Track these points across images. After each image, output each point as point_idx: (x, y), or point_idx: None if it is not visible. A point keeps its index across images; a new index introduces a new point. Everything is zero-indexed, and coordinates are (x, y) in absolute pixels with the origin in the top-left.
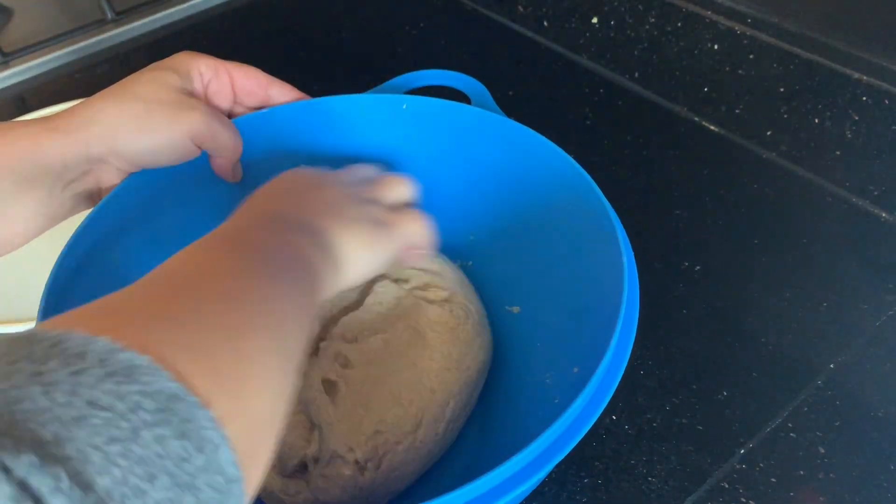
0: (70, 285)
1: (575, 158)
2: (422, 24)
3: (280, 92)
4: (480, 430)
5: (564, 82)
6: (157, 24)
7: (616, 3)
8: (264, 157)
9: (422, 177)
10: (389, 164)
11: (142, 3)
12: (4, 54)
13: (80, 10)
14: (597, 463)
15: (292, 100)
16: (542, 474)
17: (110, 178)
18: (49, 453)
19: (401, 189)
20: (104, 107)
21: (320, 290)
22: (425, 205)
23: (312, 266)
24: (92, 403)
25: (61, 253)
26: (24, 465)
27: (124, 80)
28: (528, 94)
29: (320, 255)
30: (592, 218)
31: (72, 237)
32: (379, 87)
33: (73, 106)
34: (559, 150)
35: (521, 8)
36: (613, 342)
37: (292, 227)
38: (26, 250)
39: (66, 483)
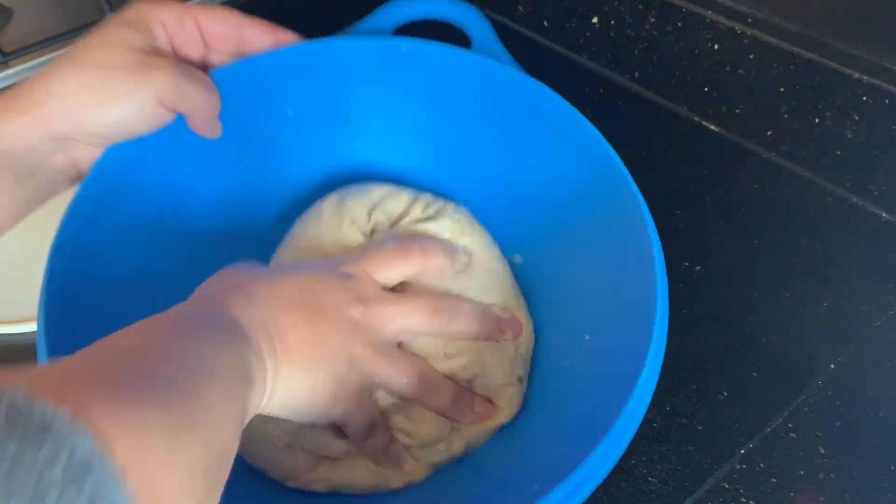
0: (68, 279)
1: None
2: (421, 25)
3: (256, 34)
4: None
5: (564, 82)
6: None
7: (616, 3)
8: (246, 111)
9: (420, 122)
10: (384, 111)
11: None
12: (4, 54)
13: (79, 10)
14: None
15: (271, 41)
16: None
17: (84, 154)
18: None
19: (399, 266)
20: (62, 79)
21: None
22: (424, 148)
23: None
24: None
25: (52, 246)
26: None
27: (82, 41)
28: None
29: (257, 366)
30: (612, 189)
31: (57, 231)
32: (364, 20)
33: (31, 79)
34: (577, 113)
35: (521, 8)
36: (656, 326)
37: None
38: (16, 248)
39: None
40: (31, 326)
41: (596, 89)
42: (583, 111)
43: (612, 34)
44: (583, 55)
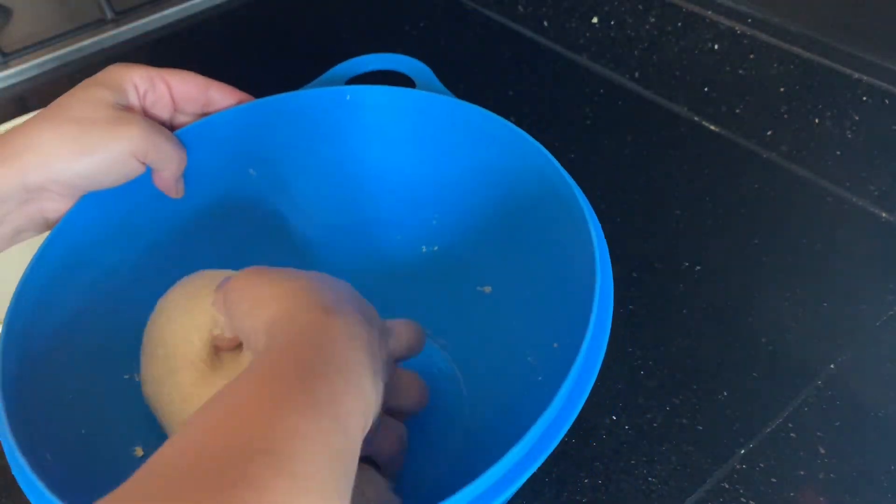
0: (31, 322)
1: (575, 158)
2: (422, 24)
3: (221, 94)
4: (471, 414)
5: (564, 82)
6: (157, 24)
7: (616, 3)
8: (209, 167)
9: (375, 166)
10: (341, 158)
11: (142, 3)
12: (4, 54)
13: (79, 10)
14: (597, 463)
15: (234, 101)
16: (540, 461)
17: (54, 205)
18: None
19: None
20: (39, 133)
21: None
22: (381, 194)
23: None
24: None
25: (15, 291)
26: None
27: (57, 101)
28: (528, 94)
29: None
30: (553, 188)
31: (24, 273)
32: (318, 80)
33: (6, 133)
34: (509, 123)
35: (521, 8)
36: (594, 313)
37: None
38: None
39: None
40: None
41: (596, 89)
42: (583, 111)
43: (612, 34)
44: (583, 55)
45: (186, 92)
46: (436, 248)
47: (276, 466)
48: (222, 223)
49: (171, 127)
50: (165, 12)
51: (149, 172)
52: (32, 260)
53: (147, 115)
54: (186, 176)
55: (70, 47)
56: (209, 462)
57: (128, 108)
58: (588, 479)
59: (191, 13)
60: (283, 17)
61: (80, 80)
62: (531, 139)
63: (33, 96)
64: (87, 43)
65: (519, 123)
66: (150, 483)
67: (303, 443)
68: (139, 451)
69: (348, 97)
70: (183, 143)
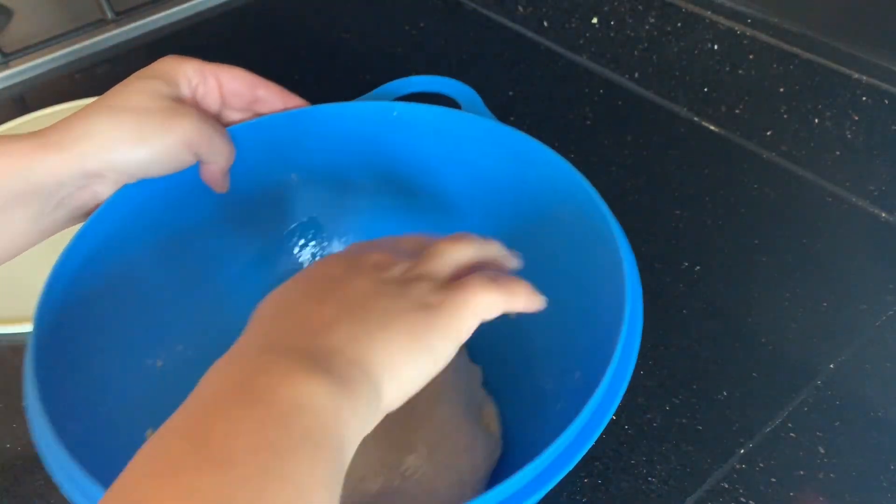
0: (66, 297)
1: (575, 158)
2: (422, 24)
3: (268, 92)
4: None
5: (564, 82)
6: (157, 24)
7: (616, 3)
8: (254, 168)
9: (414, 185)
10: (382, 172)
11: (142, 3)
12: (4, 54)
13: (80, 10)
14: (597, 463)
15: (280, 101)
16: (553, 483)
17: (106, 190)
18: None
19: (456, 251)
20: (98, 120)
21: (346, 450)
22: (416, 211)
23: (328, 429)
24: None
25: (54, 266)
26: None
27: (112, 90)
28: (528, 94)
29: (342, 398)
30: (589, 221)
31: (65, 250)
32: (368, 95)
33: (65, 120)
34: (552, 152)
35: (521, 8)
36: (620, 343)
37: (303, 370)
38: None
39: None
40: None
41: (596, 89)
42: (583, 111)
43: (612, 34)
44: (583, 55)
45: (235, 88)
46: None
47: None
48: (255, 222)
49: (221, 121)
50: (165, 12)
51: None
52: (69, 243)
53: (198, 108)
54: (230, 171)
55: (70, 47)
56: None
57: (181, 100)
58: (588, 479)
59: (191, 13)
60: (283, 18)
61: (80, 80)
62: (573, 169)
63: (33, 96)
64: (87, 43)
65: (519, 124)
66: None
67: None
68: (150, 434)
69: (395, 113)
70: (233, 139)
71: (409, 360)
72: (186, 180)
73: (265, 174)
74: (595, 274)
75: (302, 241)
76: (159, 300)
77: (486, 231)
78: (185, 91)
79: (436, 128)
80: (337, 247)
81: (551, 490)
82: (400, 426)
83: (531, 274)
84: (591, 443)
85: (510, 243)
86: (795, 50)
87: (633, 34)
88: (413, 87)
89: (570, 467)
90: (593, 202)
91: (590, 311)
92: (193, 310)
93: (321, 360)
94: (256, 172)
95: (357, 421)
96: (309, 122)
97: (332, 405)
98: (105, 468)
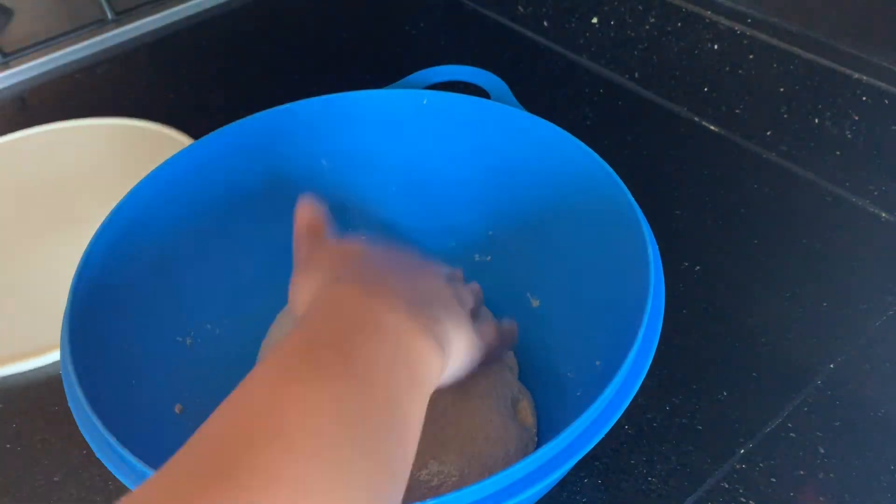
0: (98, 276)
1: None
2: (422, 24)
3: None
4: None
5: (564, 82)
6: (157, 24)
7: (616, 3)
8: (286, 153)
9: (442, 172)
10: (409, 160)
11: (142, 3)
12: (4, 54)
13: (80, 10)
14: (597, 463)
15: None
16: (568, 466)
17: None
18: None
19: (480, 294)
20: None
21: (428, 385)
22: (442, 200)
23: (422, 363)
24: None
25: (89, 244)
26: None
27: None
28: (528, 94)
29: (443, 360)
30: (616, 211)
31: (98, 229)
32: (398, 83)
33: None
34: (581, 143)
35: (521, 8)
36: (641, 332)
37: (423, 334)
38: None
39: None
40: (42, 360)
41: (596, 89)
42: (583, 111)
43: (612, 34)
44: (583, 55)
45: None
46: (488, 258)
47: (279, 447)
48: (286, 207)
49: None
50: (165, 12)
51: (202, 151)
52: (103, 222)
53: None
54: (261, 155)
55: (70, 47)
56: (213, 449)
57: None
58: (588, 479)
59: (191, 13)
60: (283, 18)
61: (80, 80)
62: (600, 160)
63: (33, 96)
64: (88, 43)
65: None
66: (164, 478)
67: (302, 417)
68: (178, 409)
69: (425, 101)
70: (267, 123)
71: (459, 359)
72: (219, 164)
73: (298, 159)
74: (619, 263)
75: None
76: (190, 281)
77: (512, 219)
78: None
79: (465, 116)
80: (364, 233)
81: (551, 490)
82: (432, 419)
83: (556, 263)
84: (616, 418)
85: (535, 232)
86: (795, 50)
87: (633, 34)
88: (442, 76)
89: (594, 443)
90: (622, 193)
91: (613, 299)
92: (223, 291)
93: (431, 326)
94: (289, 157)
95: (436, 383)
96: (341, 107)
97: (439, 364)
98: (137, 440)
